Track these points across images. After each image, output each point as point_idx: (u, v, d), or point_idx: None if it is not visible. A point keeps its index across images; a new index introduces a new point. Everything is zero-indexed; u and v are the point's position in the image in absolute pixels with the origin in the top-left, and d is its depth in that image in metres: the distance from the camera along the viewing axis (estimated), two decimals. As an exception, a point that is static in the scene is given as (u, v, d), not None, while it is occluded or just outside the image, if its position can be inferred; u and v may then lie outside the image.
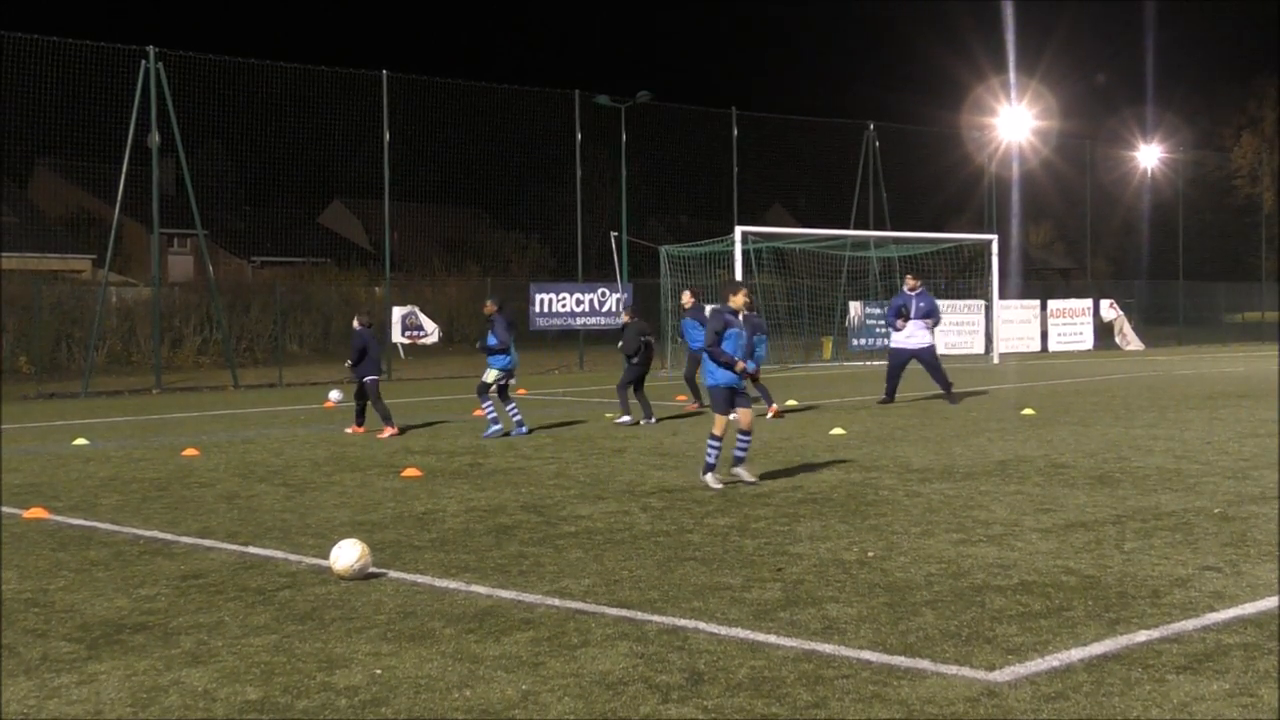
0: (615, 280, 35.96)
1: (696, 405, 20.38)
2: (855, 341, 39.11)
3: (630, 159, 38.56)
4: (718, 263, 34.68)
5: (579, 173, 37.52)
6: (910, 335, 20.99)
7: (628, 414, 18.57)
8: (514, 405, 16.93)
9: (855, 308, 39.58)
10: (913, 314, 20.90)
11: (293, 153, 39.71)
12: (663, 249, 34.76)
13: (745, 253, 32.25)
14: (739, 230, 31.84)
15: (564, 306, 35.58)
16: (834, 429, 16.98)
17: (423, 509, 10.95)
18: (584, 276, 38.78)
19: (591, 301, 35.97)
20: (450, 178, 45.71)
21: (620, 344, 19.23)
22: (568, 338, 38.87)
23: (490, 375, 16.72)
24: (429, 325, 34.71)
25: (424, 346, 36.30)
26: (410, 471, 13.22)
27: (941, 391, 21.00)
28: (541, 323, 35.62)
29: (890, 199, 44.76)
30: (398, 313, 33.89)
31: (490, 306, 16.75)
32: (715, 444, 11.72)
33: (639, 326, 18.88)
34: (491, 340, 16.52)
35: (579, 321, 35.96)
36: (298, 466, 14.21)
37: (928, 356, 20.83)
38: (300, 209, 64.21)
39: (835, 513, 10.42)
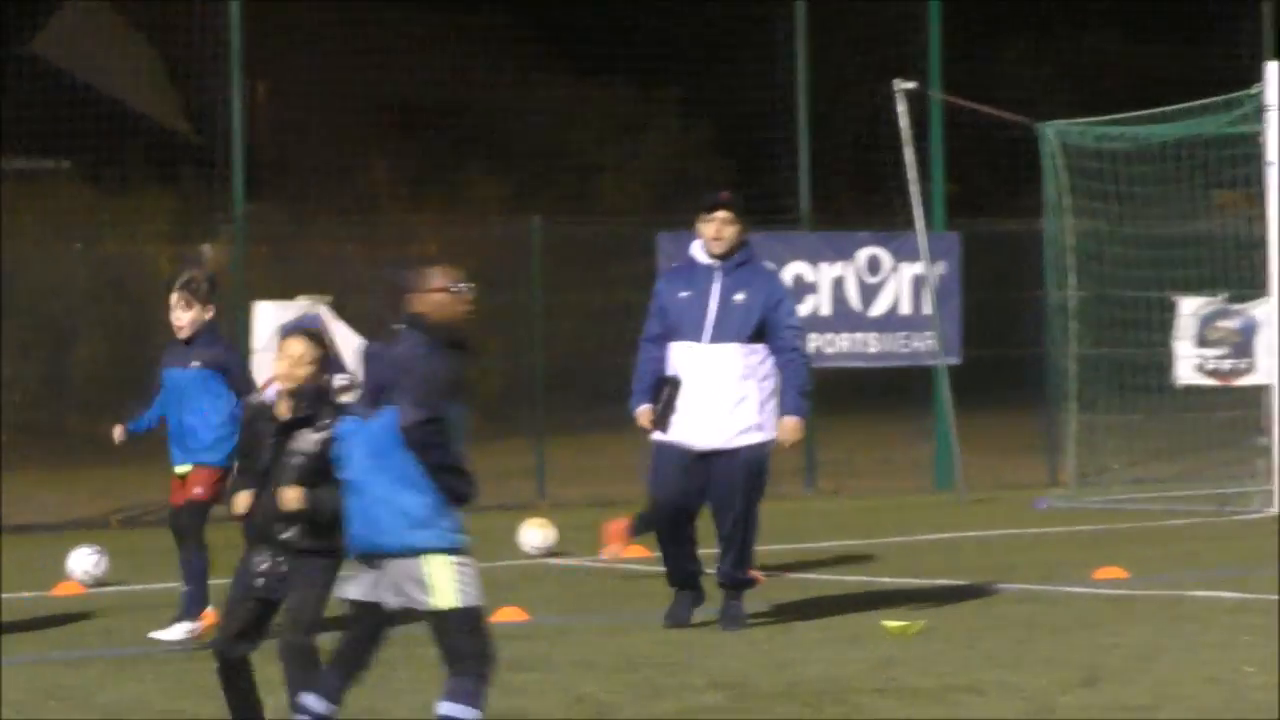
0: (908, 218, 28.08)
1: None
2: None
3: None
4: (1207, 167, 27.23)
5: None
6: None
7: None
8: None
9: None
10: None
11: None
12: (1045, 127, 27.79)
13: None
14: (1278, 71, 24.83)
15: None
16: None
17: None
18: (816, 216, 29.16)
19: (870, 292, 28.03)
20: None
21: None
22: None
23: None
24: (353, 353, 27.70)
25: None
26: None
27: None
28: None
29: None
30: (268, 317, 24.54)
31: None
32: None
33: None
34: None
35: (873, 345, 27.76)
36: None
37: None
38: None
39: None
